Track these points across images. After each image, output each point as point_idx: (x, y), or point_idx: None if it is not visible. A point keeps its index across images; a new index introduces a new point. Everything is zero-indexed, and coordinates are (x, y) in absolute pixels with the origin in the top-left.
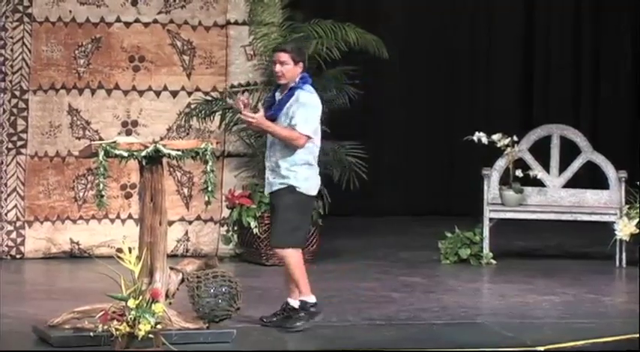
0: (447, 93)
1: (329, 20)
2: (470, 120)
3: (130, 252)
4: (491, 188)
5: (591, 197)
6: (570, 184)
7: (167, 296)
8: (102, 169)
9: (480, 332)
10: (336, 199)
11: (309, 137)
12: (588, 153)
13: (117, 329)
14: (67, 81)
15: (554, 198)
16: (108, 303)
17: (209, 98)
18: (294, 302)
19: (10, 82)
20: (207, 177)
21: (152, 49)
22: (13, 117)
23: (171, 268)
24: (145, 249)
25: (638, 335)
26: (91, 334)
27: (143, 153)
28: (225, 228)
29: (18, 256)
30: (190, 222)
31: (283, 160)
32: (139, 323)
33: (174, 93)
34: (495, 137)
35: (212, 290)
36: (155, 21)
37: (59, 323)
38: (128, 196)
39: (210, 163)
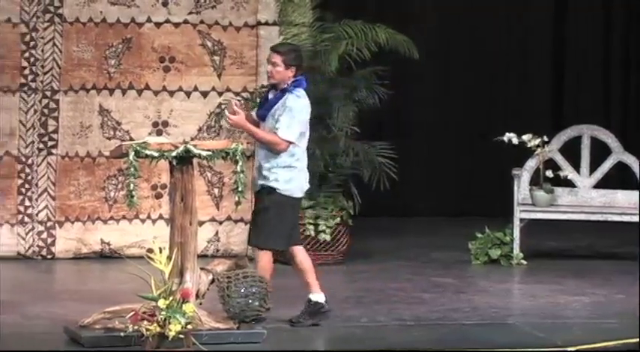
0: (477, 93)
1: (359, 21)
2: (500, 120)
3: (161, 252)
4: (522, 188)
5: (622, 197)
6: (601, 185)
7: (197, 296)
8: (132, 169)
9: (511, 333)
10: (366, 199)
11: (290, 142)
12: (619, 154)
13: (147, 330)
14: (97, 81)
15: (584, 198)
16: (138, 303)
17: (239, 99)
18: (317, 297)
19: (41, 82)
20: (237, 178)
21: (183, 50)
22: (44, 118)
23: (202, 268)
24: (176, 249)
25: None
26: (122, 334)
27: (173, 154)
28: None
29: (49, 256)
30: (221, 223)
31: (266, 161)
32: (169, 323)
33: (205, 94)
34: (526, 137)
35: (242, 291)
36: (186, 21)
37: (90, 323)
38: (159, 196)
39: (240, 163)
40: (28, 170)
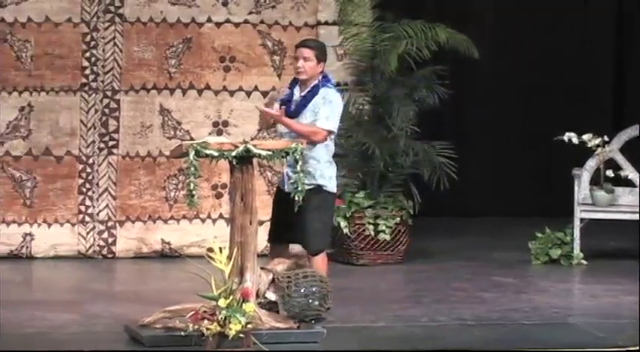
0: (537, 92)
1: (419, 20)
2: (560, 119)
3: (221, 251)
4: (582, 188)
5: None
6: None
7: (257, 295)
8: (193, 169)
9: (572, 333)
10: (426, 199)
11: (330, 132)
12: None
13: (208, 329)
14: (158, 81)
15: None
16: (199, 303)
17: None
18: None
19: (102, 82)
20: (297, 177)
21: (243, 50)
22: (104, 118)
23: (262, 268)
24: (236, 248)
25: None
26: (182, 333)
27: (233, 153)
28: None
29: (109, 256)
30: None
31: (305, 160)
32: (229, 322)
33: (265, 94)
34: (586, 137)
35: (303, 290)
36: (246, 21)
37: (150, 322)
38: (219, 196)
39: (300, 163)
40: (89, 169)
